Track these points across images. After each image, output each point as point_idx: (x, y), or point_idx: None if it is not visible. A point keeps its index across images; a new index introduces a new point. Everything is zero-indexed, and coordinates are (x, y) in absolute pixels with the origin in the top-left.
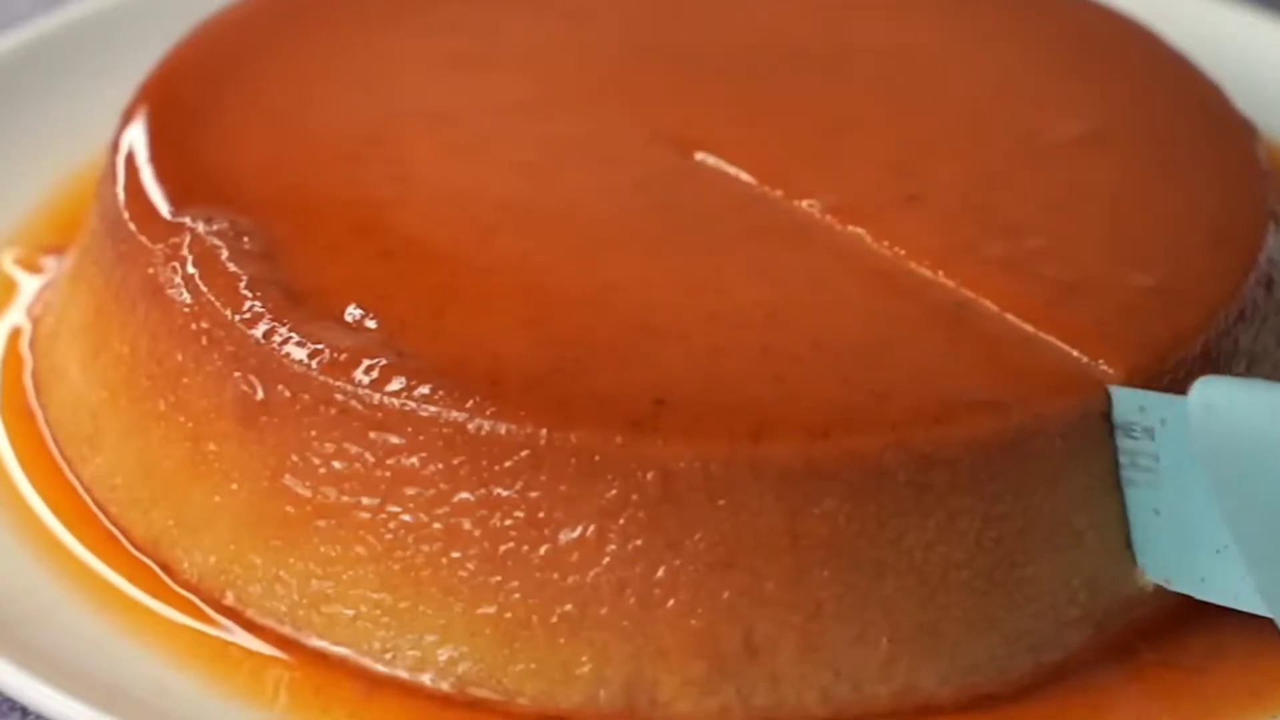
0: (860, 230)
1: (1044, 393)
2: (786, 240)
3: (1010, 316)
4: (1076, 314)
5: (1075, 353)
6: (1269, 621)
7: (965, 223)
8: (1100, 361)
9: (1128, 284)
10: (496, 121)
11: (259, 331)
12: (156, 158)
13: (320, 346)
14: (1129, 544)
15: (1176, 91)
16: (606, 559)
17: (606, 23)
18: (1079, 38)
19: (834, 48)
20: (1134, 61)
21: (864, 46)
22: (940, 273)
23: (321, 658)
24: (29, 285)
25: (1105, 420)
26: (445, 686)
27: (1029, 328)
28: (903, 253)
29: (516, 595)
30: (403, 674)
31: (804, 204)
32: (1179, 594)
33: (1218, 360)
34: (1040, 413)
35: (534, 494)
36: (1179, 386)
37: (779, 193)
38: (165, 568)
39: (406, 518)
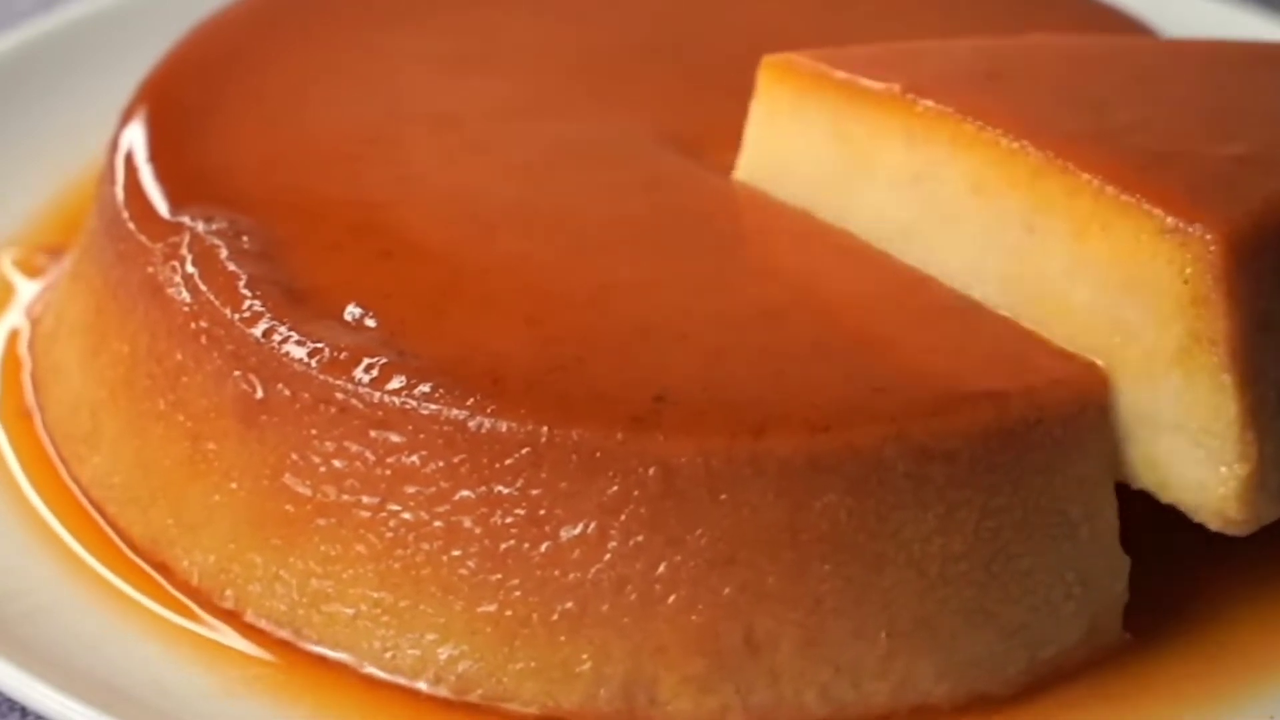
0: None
1: (1042, 384)
2: (785, 238)
3: (1007, 315)
4: (1167, 180)
5: (1169, 219)
6: (1266, 617)
7: (1049, 101)
8: (1196, 226)
9: (1219, 153)
10: (497, 122)
11: (259, 330)
12: (156, 157)
13: (320, 345)
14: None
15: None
16: (607, 556)
17: (606, 24)
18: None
19: (830, 45)
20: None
21: (860, 42)
22: (1026, 143)
23: (321, 657)
24: (28, 286)
25: (1101, 410)
26: (445, 685)
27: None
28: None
29: (517, 593)
30: (403, 673)
31: None
32: (1171, 589)
33: None
34: (1039, 403)
35: (535, 491)
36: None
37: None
38: (164, 567)
39: (407, 516)
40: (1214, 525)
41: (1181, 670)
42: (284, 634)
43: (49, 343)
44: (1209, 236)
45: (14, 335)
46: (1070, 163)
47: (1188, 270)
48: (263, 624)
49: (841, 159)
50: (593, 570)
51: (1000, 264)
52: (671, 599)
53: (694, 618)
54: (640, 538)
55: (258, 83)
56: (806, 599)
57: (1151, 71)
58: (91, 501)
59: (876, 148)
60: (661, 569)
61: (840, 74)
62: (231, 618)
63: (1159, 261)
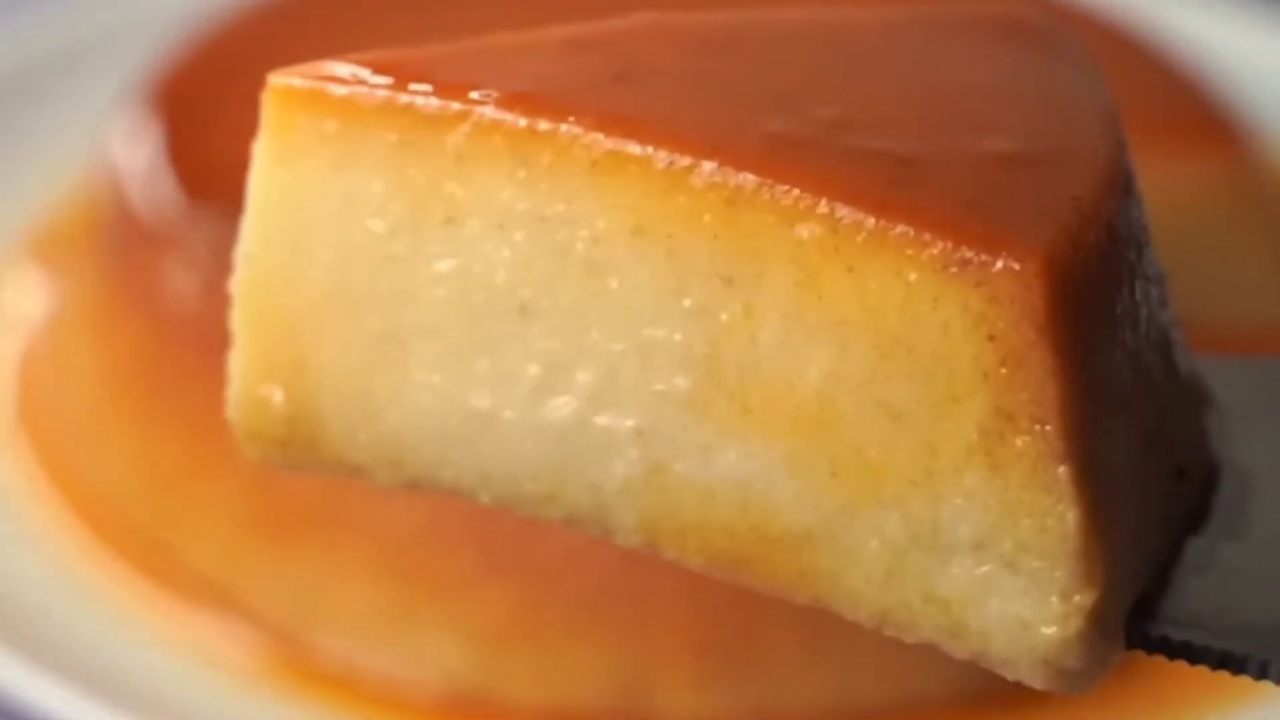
0: None
1: None
2: None
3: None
4: (932, 193)
5: (957, 249)
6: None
7: (720, 99)
8: (999, 255)
9: (980, 151)
10: None
11: None
12: (158, 156)
13: None
14: None
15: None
16: (605, 557)
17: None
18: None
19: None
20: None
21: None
22: (710, 158)
23: (320, 657)
24: (29, 286)
25: None
26: (444, 685)
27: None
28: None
29: (515, 593)
30: (402, 672)
31: None
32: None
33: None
34: None
35: None
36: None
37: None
38: (165, 566)
39: (404, 516)
40: (1039, 682)
41: (1181, 670)
42: (283, 634)
43: (49, 343)
44: (1021, 267)
45: (14, 336)
46: (782, 178)
47: (993, 321)
48: (262, 624)
49: (406, 209)
50: (590, 571)
51: (680, 339)
52: (670, 600)
53: (692, 619)
54: None
55: (260, 81)
56: None
57: (826, 48)
58: (95, 500)
59: (465, 190)
60: (659, 570)
61: (385, 89)
62: (231, 618)
63: (944, 313)
